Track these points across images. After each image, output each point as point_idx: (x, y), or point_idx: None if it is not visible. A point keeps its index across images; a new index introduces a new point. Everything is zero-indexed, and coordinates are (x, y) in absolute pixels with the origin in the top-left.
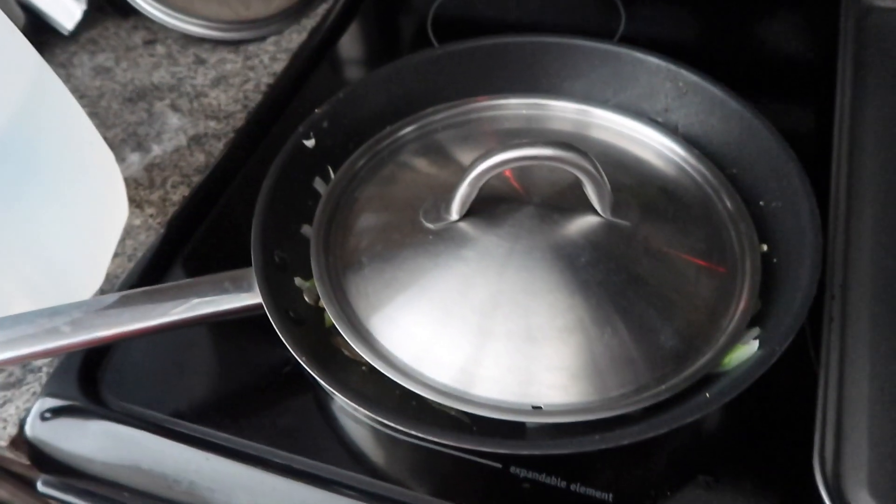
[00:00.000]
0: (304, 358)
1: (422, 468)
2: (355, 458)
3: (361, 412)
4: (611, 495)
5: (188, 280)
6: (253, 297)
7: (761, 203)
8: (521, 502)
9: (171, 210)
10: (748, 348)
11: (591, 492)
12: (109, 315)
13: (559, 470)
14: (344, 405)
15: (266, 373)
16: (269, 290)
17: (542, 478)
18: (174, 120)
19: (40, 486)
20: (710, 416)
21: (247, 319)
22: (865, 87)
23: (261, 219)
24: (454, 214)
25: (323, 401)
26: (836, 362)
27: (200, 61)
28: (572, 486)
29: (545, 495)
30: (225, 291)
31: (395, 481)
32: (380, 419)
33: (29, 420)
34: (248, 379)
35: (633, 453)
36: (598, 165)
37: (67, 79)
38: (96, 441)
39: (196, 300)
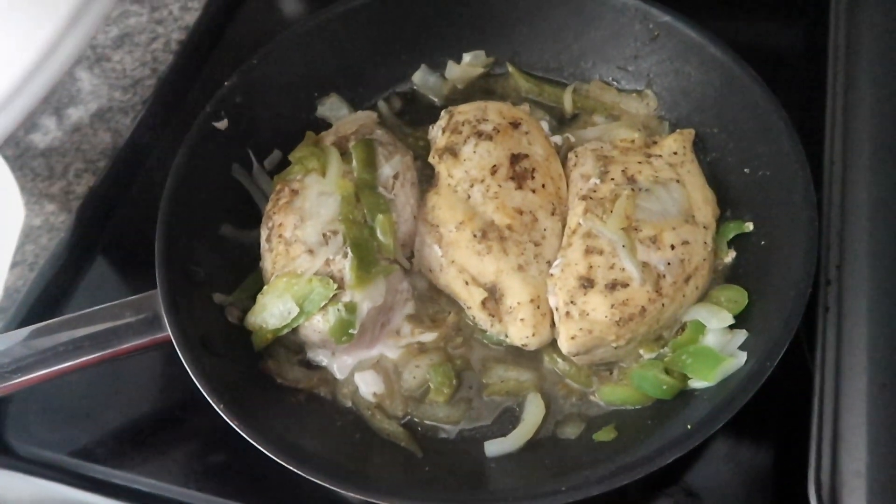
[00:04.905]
0: (222, 406)
1: None
2: (297, 499)
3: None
4: None
5: (84, 312)
6: (160, 330)
7: (747, 170)
8: None
9: (76, 205)
10: (734, 361)
11: None
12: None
13: None
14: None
15: (192, 404)
16: (178, 321)
17: None
18: (73, 91)
19: None
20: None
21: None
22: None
23: (166, 229)
24: None
25: None
26: (832, 363)
27: None
28: None
29: None
30: (128, 326)
31: None
32: (306, 475)
33: None
34: (173, 413)
35: None
36: None
37: None
38: (4, 492)
39: (94, 338)
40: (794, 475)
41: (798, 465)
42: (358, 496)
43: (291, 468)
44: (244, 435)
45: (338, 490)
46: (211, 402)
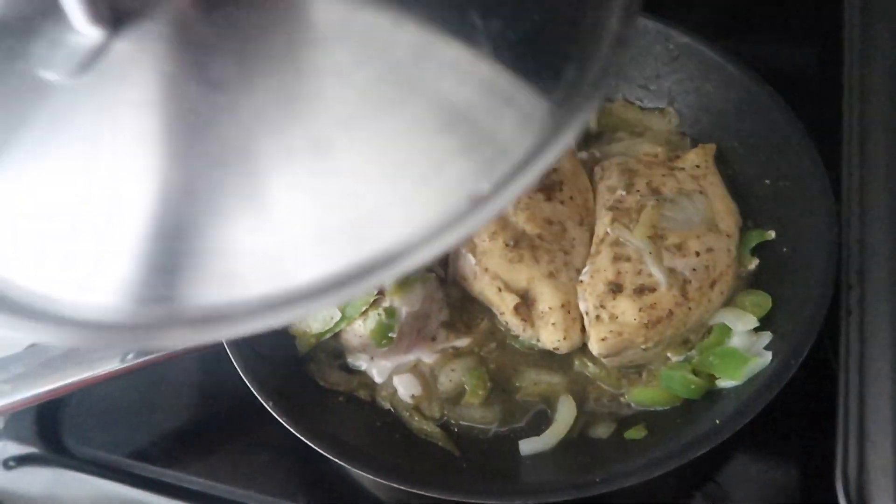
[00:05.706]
0: (271, 403)
1: None
2: (339, 496)
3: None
4: None
5: None
6: None
7: (767, 181)
8: None
9: None
10: (760, 360)
11: None
12: (53, 367)
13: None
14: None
15: (239, 405)
16: None
17: None
18: None
19: None
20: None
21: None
22: (874, 27)
23: None
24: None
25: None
26: (855, 364)
27: None
28: None
29: None
30: None
31: None
32: (351, 467)
33: None
34: (221, 413)
35: None
36: None
37: None
38: (63, 492)
39: None
40: (821, 474)
41: (825, 464)
42: (406, 489)
43: (339, 462)
44: (293, 431)
45: (386, 483)
46: (260, 399)
